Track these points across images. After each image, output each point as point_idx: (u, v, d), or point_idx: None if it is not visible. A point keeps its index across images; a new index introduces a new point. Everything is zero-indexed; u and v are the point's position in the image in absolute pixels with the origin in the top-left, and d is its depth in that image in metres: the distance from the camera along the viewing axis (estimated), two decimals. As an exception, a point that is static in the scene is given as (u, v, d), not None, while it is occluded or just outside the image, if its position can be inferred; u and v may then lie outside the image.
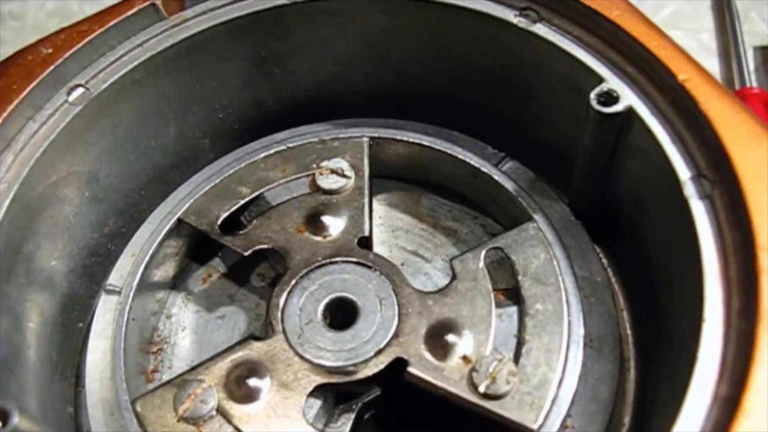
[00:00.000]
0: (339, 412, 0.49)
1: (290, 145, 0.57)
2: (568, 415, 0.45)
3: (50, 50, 0.50)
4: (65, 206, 0.52)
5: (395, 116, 0.58)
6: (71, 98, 0.50)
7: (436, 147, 0.56)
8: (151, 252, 0.52)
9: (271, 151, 0.56)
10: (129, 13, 0.52)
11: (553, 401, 0.45)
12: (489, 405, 0.44)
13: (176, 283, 0.57)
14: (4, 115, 0.47)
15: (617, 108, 0.45)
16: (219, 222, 0.53)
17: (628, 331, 0.52)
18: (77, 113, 0.50)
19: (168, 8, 0.53)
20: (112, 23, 0.51)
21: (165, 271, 0.55)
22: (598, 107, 0.45)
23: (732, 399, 0.36)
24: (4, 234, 0.46)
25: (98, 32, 0.51)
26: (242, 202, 0.54)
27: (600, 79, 0.47)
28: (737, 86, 0.75)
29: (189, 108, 0.57)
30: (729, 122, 0.42)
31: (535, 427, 0.44)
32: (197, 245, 0.56)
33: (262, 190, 0.55)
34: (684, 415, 0.36)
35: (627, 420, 0.47)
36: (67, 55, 0.50)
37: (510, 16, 0.51)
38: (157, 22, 0.53)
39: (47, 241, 0.51)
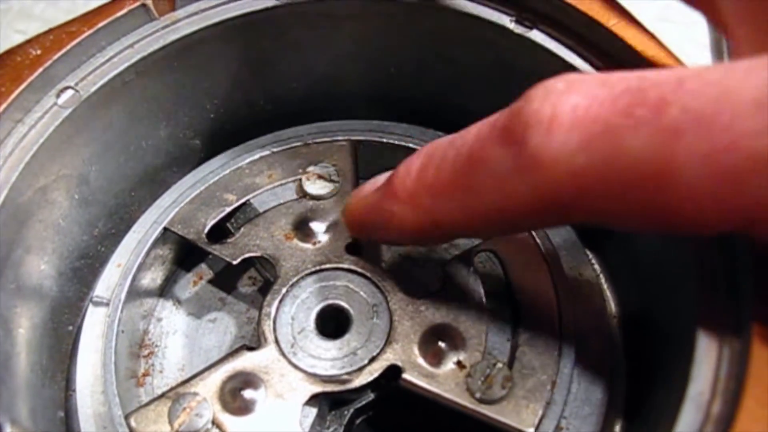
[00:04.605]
0: (331, 419, 0.48)
1: (275, 149, 0.56)
2: (562, 416, 0.45)
3: (39, 52, 0.48)
4: (55, 210, 0.51)
5: (389, 119, 0.58)
6: (60, 101, 0.49)
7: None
8: (138, 262, 0.52)
9: (256, 156, 0.56)
10: (119, 13, 0.50)
11: (548, 404, 0.45)
12: (485, 410, 0.44)
13: (165, 289, 0.56)
14: (-7, 118, 0.46)
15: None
16: (206, 230, 0.52)
17: (619, 337, 0.51)
18: (67, 116, 0.49)
19: (159, 9, 0.52)
20: (101, 24, 0.50)
21: (153, 279, 0.55)
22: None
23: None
24: (-6, 240, 0.45)
25: (87, 33, 0.49)
26: (229, 209, 0.53)
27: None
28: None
29: (180, 109, 0.56)
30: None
31: (531, 430, 0.44)
32: (185, 251, 0.56)
33: (248, 197, 0.54)
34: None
35: (618, 427, 0.47)
36: (56, 56, 0.48)
37: (506, 21, 0.51)
38: (148, 23, 0.52)
39: (36, 245, 0.50)
